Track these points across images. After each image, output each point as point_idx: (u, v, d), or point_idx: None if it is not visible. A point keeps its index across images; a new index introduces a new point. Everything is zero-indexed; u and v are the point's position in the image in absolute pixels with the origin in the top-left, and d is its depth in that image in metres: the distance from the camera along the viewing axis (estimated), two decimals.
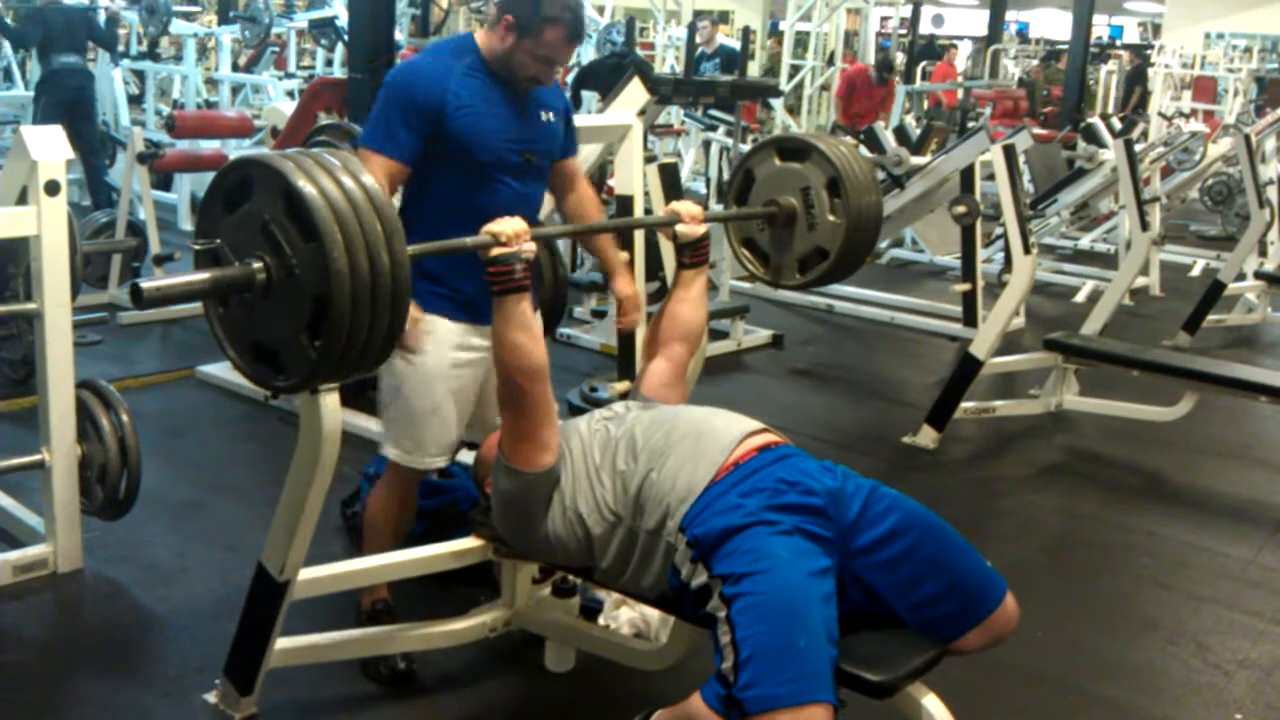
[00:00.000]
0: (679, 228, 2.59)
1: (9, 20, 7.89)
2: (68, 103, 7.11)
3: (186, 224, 7.77)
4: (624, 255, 3.09)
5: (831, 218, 2.68)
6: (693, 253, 2.62)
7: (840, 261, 2.71)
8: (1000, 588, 2.15)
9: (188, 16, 10.13)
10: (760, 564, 1.97)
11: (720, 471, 2.15)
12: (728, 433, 2.23)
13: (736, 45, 11.17)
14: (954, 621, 2.11)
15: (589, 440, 2.32)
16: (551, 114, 2.72)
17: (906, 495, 2.20)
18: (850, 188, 2.64)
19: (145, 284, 1.75)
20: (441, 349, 2.61)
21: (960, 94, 12.87)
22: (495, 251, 2.18)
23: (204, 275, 1.81)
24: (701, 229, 2.60)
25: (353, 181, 1.79)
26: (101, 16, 7.79)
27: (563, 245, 6.14)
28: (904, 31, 15.69)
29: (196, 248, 1.89)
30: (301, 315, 1.78)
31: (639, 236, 3.58)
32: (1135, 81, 15.35)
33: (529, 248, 2.21)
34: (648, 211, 3.69)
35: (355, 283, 1.73)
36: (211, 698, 2.53)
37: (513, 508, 2.34)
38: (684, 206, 2.62)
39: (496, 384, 2.31)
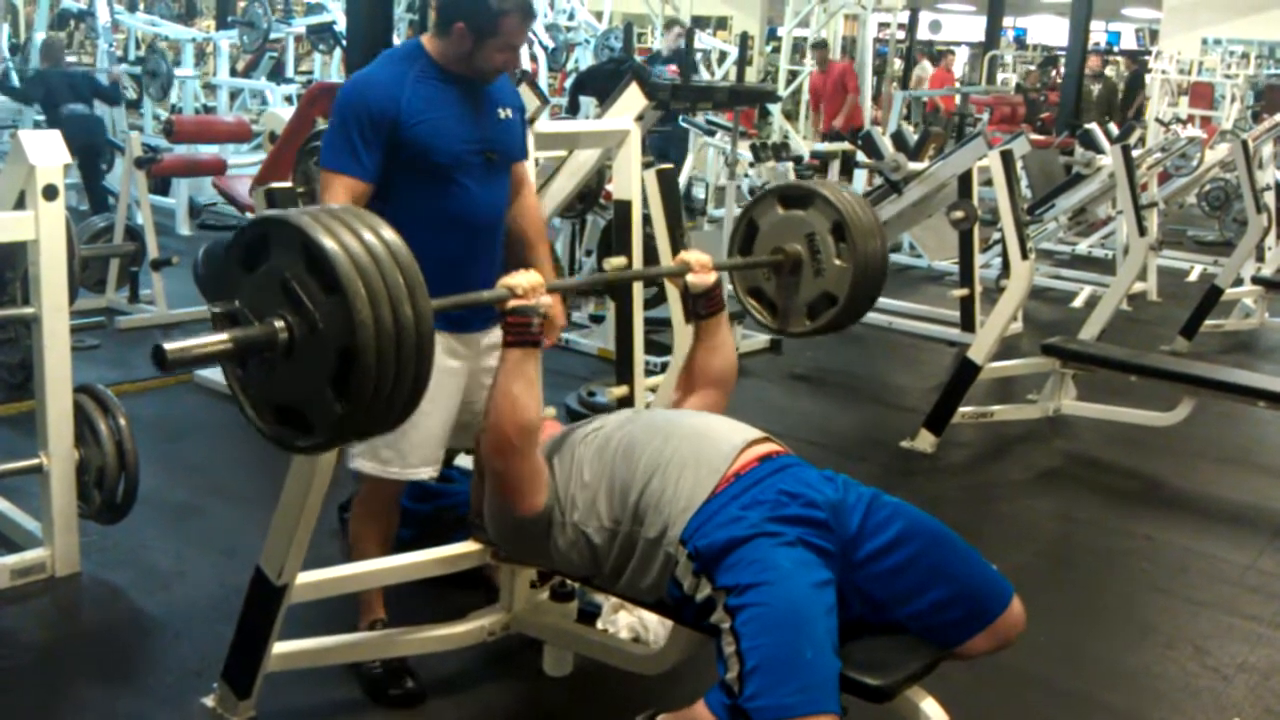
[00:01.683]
0: (689, 278, 2.51)
1: (14, 82, 7.96)
2: (75, 150, 7.07)
3: (184, 228, 7.78)
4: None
5: (838, 262, 2.64)
6: (707, 302, 2.54)
7: (850, 305, 2.67)
8: (1007, 591, 2.15)
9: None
10: (765, 575, 1.96)
11: (721, 482, 2.14)
12: (728, 441, 2.22)
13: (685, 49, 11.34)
14: (960, 627, 2.11)
15: (586, 448, 2.30)
16: (509, 110, 2.68)
17: (906, 501, 2.20)
18: (855, 232, 2.61)
19: (169, 346, 1.72)
20: None
21: (958, 99, 12.90)
22: (513, 304, 2.15)
23: (226, 336, 1.79)
24: (712, 277, 2.52)
25: (372, 235, 1.77)
26: (104, 78, 7.81)
27: (561, 249, 6.16)
28: (902, 37, 15.71)
29: (216, 310, 1.85)
30: (326, 370, 1.75)
31: (636, 240, 3.57)
32: (1133, 87, 15.38)
33: (545, 300, 2.19)
34: (646, 217, 3.70)
35: (380, 334, 1.71)
36: (209, 702, 2.53)
37: (509, 535, 2.36)
38: (693, 256, 2.55)
39: (486, 431, 2.25)
